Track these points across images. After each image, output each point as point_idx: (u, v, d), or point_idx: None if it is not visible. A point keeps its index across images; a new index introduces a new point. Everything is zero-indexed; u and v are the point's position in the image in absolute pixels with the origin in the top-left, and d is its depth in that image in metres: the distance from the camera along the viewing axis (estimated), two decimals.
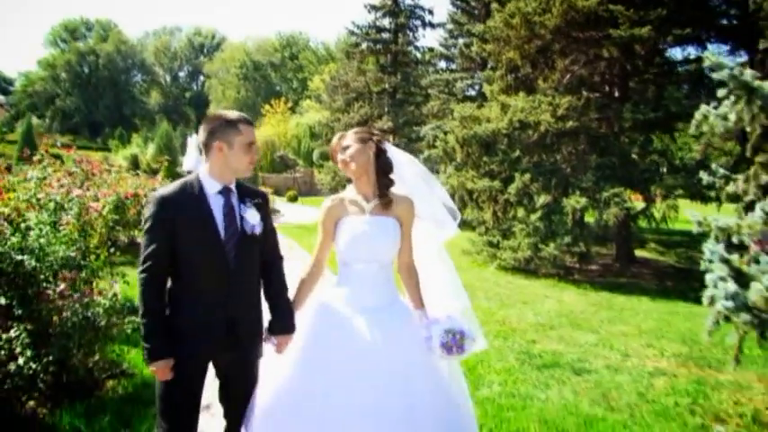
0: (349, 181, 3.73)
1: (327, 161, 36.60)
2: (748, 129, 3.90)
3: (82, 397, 4.86)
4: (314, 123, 44.86)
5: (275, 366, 3.53)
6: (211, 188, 3.30)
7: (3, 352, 4.09)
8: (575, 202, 12.97)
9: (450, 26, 29.34)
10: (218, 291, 3.24)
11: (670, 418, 5.52)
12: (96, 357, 5.32)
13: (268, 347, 3.53)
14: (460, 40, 27.71)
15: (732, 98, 3.70)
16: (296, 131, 50.99)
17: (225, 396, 3.52)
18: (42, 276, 4.61)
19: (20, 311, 4.37)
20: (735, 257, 3.89)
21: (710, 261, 3.93)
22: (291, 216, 26.95)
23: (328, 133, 34.76)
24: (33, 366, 4.12)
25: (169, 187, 3.32)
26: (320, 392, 3.33)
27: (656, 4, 13.64)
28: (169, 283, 3.26)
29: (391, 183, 3.71)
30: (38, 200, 5.40)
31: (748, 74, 3.60)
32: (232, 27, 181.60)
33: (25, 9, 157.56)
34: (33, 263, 4.51)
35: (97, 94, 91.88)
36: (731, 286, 3.60)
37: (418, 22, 31.11)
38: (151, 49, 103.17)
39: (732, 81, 3.62)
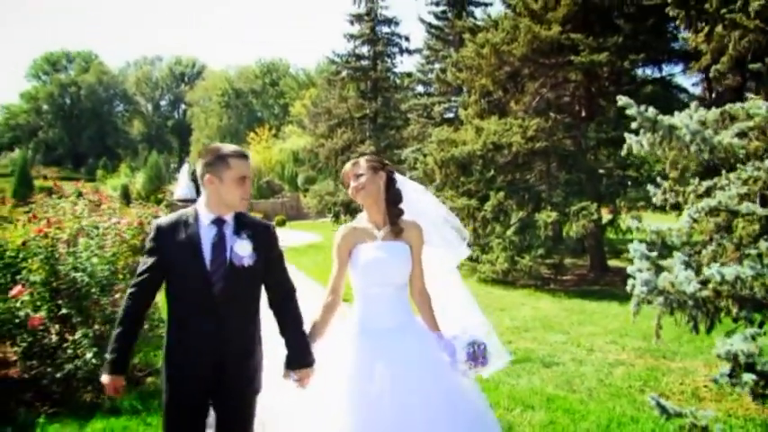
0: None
1: (313, 185, 37.39)
2: (659, 152, 4.90)
3: (129, 389, 5.85)
4: (297, 148, 45.53)
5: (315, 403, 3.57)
6: (205, 219, 3.35)
7: (69, 351, 5.10)
8: (546, 216, 13.97)
9: (426, 52, 30.41)
10: (206, 324, 3.23)
11: (622, 395, 6.48)
12: (136, 360, 6.32)
13: (289, 382, 3.53)
14: (437, 65, 28.68)
15: (642, 130, 4.72)
16: (279, 157, 51.74)
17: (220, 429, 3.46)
18: (93, 290, 5.58)
19: (78, 319, 5.34)
20: (654, 254, 4.86)
21: (634, 258, 4.91)
22: (282, 240, 27.66)
23: (312, 159, 35.56)
24: (95, 362, 5.11)
25: (168, 216, 3.46)
26: (354, 416, 3.40)
27: (613, 31, 14.84)
28: (168, 310, 3.35)
29: (401, 212, 3.86)
30: (82, 227, 6.35)
31: (651, 111, 4.62)
32: (212, 56, 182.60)
33: (3, 43, 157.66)
34: (87, 279, 5.47)
35: (80, 126, 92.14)
36: (646, 275, 4.57)
37: (396, 49, 32.08)
38: (132, 79, 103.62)
39: (639, 116, 4.64)
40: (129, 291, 3.30)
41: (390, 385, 3.43)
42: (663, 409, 4.78)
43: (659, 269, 4.82)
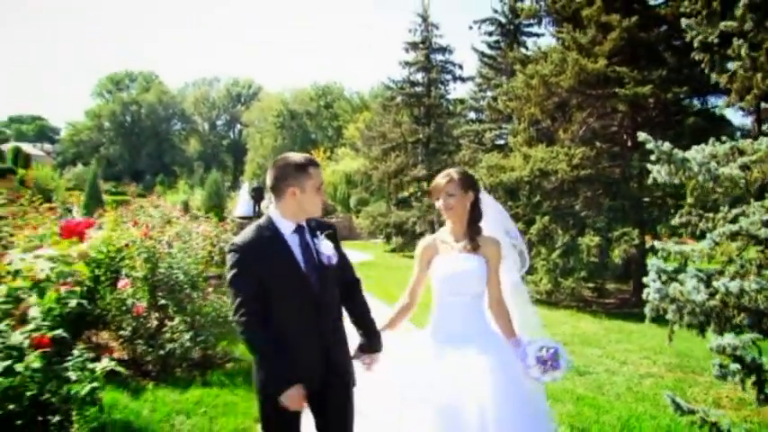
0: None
1: (365, 206, 38.13)
2: (676, 181, 5.65)
3: (213, 369, 6.87)
4: (350, 171, 46.19)
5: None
6: (286, 229, 3.44)
7: (167, 335, 6.10)
8: (589, 240, 14.63)
9: (478, 80, 31.03)
10: (309, 324, 3.36)
11: (647, 400, 7.18)
12: (218, 349, 7.33)
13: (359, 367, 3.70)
14: (489, 93, 29.27)
15: (660, 161, 5.49)
16: (332, 178, 52.62)
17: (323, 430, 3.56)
18: (186, 285, 6.59)
19: (174, 309, 6.35)
20: (670, 268, 5.59)
21: (650, 271, 5.64)
22: None
23: (365, 181, 36.38)
24: (189, 345, 6.10)
25: (245, 235, 3.45)
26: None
27: (659, 64, 15.49)
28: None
29: (480, 231, 4.08)
30: (177, 233, 7.41)
31: (666, 145, 5.39)
32: (268, 78, 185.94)
33: (72, 63, 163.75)
34: (181, 276, 6.47)
35: (139, 143, 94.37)
36: (658, 284, 5.31)
37: (449, 77, 32.52)
38: (191, 98, 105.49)
39: (656, 150, 5.42)
40: (241, 322, 3.25)
41: (463, 388, 3.63)
42: (677, 406, 5.49)
43: (673, 281, 5.56)
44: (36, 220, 8.08)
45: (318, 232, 3.51)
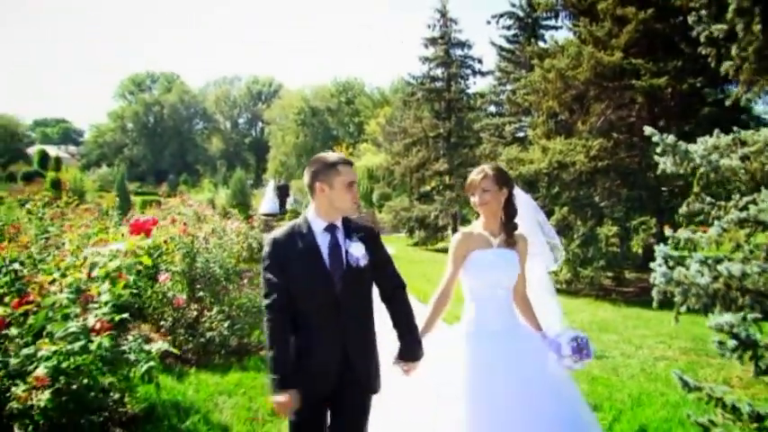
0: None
1: (388, 201, 38.51)
2: (680, 171, 5.99)
3: (250, 356, 7.35)
4: (372, 166, 46.52)
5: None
6: (318, 227, 3.49)
7: (206, 324, 6.55)
8: (607, 230, 14.95)
9: (498, 74, 31.23)
10: (330, 325, 3.38)
11: (659, 380, 7.52)
12: (253, 338, 7.80)
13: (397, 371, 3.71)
14: (508, 87, 29.52)
15: (665, 153, 5.83)
16: None
17: (335, 430, 3.54)
18: (222, 278, 7.05)
19: (211, 300, 6.81)
20: (676, 253, 5.94)
21: (657, 256, 5.98)
22: None
23: (387, 176, 36.77)
24: (227, 334, 6.55)
25: (281, 229, 3.57)
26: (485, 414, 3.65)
27: (675, 54, 15.70)
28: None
29: (516, 227, 4.14)
30: (213, 229, 7.88)
31: (671, 138, 5.73)
32: (289, 75, 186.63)
33: (94, 65, 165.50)
34: (218, 270, 6.92)
35: (162, 143, 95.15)
36: (664, 269, 5.65)
37: (469, 71, 32.85)
38: (212, 98, 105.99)
39: (661, 142, 5.76)
40: (267, 311, 3.36)
41: (504, 381, 3.71)
42: (684, 383, 5.83)
43: (679, 265, 5.90)
44: (73, 221, 8.54)
45: (354, 234, 3.53)
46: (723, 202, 7.22)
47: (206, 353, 7.08)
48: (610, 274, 15.87)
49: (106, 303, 4.17)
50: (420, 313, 3.87)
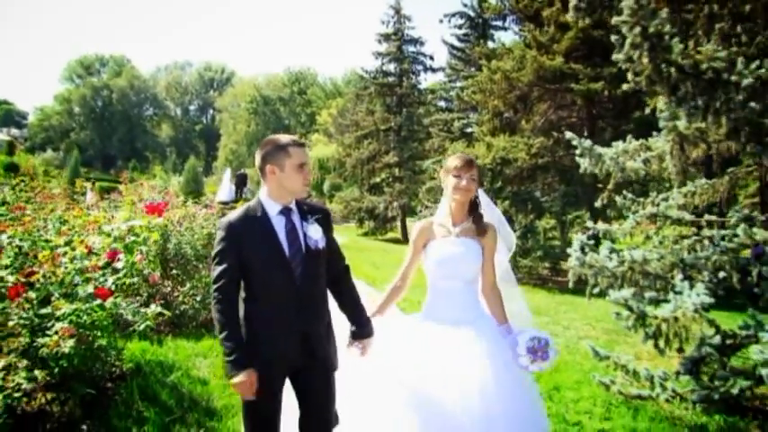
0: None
1: (338, 191, 39.30)
2: (596, 171, 7.03)
3: None
4: (323, 156, 47.17)
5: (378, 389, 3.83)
6: (272, 210, 3.42)
7: (180, 299, 7.34)
8: (545, 223, 16.10)
9: (448, 71, 32.42)
10: (288, 307, 3.32)
11: (578, 353, 8.54)
12: None
13: (353, 352, 3.72)
14: (458, 83, 30.63)
15: (583, 156, 6.86)
16: None
17: (306, 413, 3.54)
18: (192, 258, 7.83)
19: (184, 277, 7.59)
20: (591, 242, 6.95)
21: (574, 243, 6.99)
22: None
23: (339, 167, 37.56)
24: (198, 307, 7.35)
25: (235, 213, 3.46)
26: (420, 404, 3.65)
27: (611, 61, 16.81)
28: (243, 308, 3.37)
29: (482, 215, 4.09)
30: (186, 214, 8.63)
31: (587, 142, 6.76)
32: (241, 63, 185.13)
33: (39, 46, 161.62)
34: (189, 250, 7.70)
35: (111, 128, 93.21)
36: (578, 254, 6.65)
37: (420, 67, 33.94)
38: (163, 83, 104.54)
39: (579, 146, 6.78)
40: (215, 295, 3.29)
41: (451, 372, 3.66)
42: (596, 353, 6.87)
43: (592, 251, 6.92)
44: (51, 205, 9.00)
45: (309, 216, 3.49)
46: (642, 199, 8.27)
47: (179, 325, 7.77)
48: (548, 264, 17.02)
49: (122, 269, 5.00)
50: (365, 292, 3.74)
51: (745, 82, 4.92)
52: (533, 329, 3.85)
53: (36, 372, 3.89)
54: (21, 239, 5.26)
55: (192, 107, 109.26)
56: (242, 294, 3.39)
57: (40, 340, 4.06)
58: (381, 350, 3.84)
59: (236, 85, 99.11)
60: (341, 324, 3.72)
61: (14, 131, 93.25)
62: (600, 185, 17.37)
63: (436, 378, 3.67)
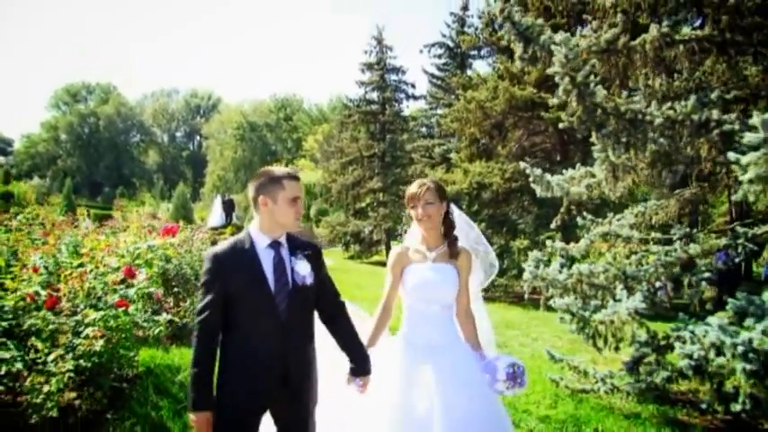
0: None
1: (325, 216, 40.12)
2: (547, 195, 8.01)
3: None
4: (310, 182, 47.87)
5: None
6: (261, 242, 3.36)
7: (181, 313, 8.22)
8: (519, 243, 17.05)
9: (429, 98, 33.56)
10: (272, 342, 3.26)
11: (542, 360, 9.40)
12: None
13: (352, 389, 3.70)
14: (438, 111, 31.84)
15: (535, 183, 7.84)
16: None
17: None
18: (192, 277, 8.71)
19: (185, 294, 8.47)
20: (545, 258, 7.89)
21: (529, 259, 7.93)
22: None
23: (324, 192, 38.38)
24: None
25: (223, 244, 3.40)
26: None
27: None
28: (226, 336, 3.28)
29: (457, 238, 4.07)
30: (186, 237, 9.53)
31: (538, 171, 7.75)
32: (228, 90, 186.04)
33: (26, 73, 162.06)
34: (189, 270, 8.59)
35: (98, 155, 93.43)
36: (532, 267, 7.59)
37: (402, 95, 34.90)
38: (149, 110, 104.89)
39: (531, 174, 7.76)
40: (197, 327, 3.23)
41: (431, 398, 3.63)
42: (551, 356, 7.80)
43: (545, 266, 7.86)
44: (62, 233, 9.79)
45: (299, 251, 3.44)
46: (600, 219, 9.20)
47: (180, 336, 8.57)
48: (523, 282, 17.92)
49: (140, 282, 5.94)
50: (351, 311, 3.91)
51: (657, 121, 5.92)
52: (507, 356, 3.92)
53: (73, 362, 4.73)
54: (47, 260, 6.13)
55: (178, 134, 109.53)
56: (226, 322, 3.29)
57: (76, 340, 4.93)
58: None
59: (222, 112, 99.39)
60: (331, 350, 3.82)
61: (0, 159, 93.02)
62: (572, 207, 18.46)
63: (421, 410, 3.64)
